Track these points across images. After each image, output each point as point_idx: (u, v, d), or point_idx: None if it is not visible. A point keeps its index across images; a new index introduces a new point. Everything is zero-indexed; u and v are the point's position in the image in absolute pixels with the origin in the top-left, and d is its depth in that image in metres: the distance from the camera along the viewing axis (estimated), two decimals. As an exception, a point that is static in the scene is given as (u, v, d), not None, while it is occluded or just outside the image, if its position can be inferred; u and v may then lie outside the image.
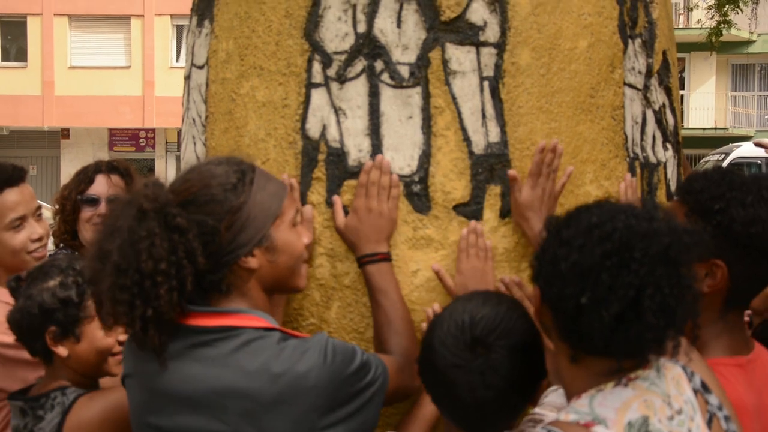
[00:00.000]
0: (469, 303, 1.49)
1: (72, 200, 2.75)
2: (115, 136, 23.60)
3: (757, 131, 22.12)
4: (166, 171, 22.57)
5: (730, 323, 1.65)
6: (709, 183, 1.63)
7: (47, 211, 2.90)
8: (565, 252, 1.29)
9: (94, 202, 2.75)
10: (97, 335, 1.84)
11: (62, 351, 1.84)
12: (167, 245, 1.41)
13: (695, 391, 1.37)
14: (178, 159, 23.46)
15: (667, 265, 1.25)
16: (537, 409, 1.59)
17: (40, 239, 2.35)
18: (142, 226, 1.42)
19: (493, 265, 1.82)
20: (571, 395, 1.36)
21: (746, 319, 2.10)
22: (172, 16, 22.40)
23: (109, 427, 1.75)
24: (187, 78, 2.24)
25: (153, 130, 23.48)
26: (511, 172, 1.82)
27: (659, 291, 1.24)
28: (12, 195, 2.29)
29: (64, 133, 23.44)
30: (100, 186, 2.78)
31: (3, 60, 23.24)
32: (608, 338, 1.26)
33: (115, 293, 1.42)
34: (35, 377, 1.99)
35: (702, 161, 15.31)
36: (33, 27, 22.72)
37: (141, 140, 23.75)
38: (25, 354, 1.94)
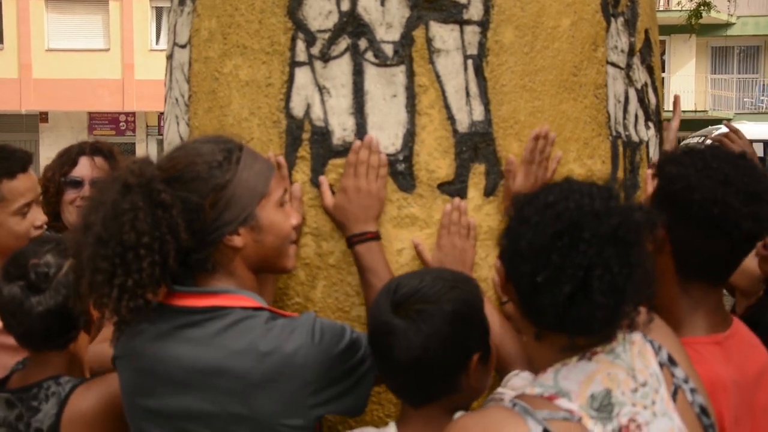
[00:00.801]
0: (408, 275, 1.54)
1: (56, 182, 2.73)
2: (94, 119, 23.38)
3: (736, 114, 22.27)
4: (147, 155, 22.39)
5: (702, 300, 1.66)
6: (673, 154, 1.67)
7: None
8: (523, 230, 1.32)
9: (77, 184, 2.73)
10: None
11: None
12: (150, 219, 1.41)
13: (661, 365, 1.39)
14: (159, 143, 23.38)
15: (616, 245, 1.27)
16: (499, 389, 1.61)
17: (41, 226, 2.34)
18: (126, 199, 1.42)
19: (474, 243, 1.83)
20: (537, 371, 1.38)
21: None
22: (151, -3, 22.17)
23: (109, 415, 1.72)
24: (170, 57, 2.23)
25: (133, 114, 23.29)
26: (510, 158, 1.83)
27: (608, 271, 1.25)
28: (23, 180, 2.28)
29: (43, 116, 23.19)
30: (84, 168, 2.76)
31: (-22, 42, 22.92)
32: (561, 316, 1.29)
33: (96, 261, 1.42)
34: (14, 363, 1.96)
35: (682, 143, 15.35)
36: (8, 8, 22.39)
37: (121, 124, 23.56)
38: (9, 339, 1.91)
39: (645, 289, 1.31)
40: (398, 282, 1.50)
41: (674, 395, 1.37)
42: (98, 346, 2.05)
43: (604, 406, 1.27)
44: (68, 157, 2.79)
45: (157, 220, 1.42)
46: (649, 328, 1.44)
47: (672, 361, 1.42)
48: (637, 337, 1.40)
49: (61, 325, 1.79)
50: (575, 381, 1.30)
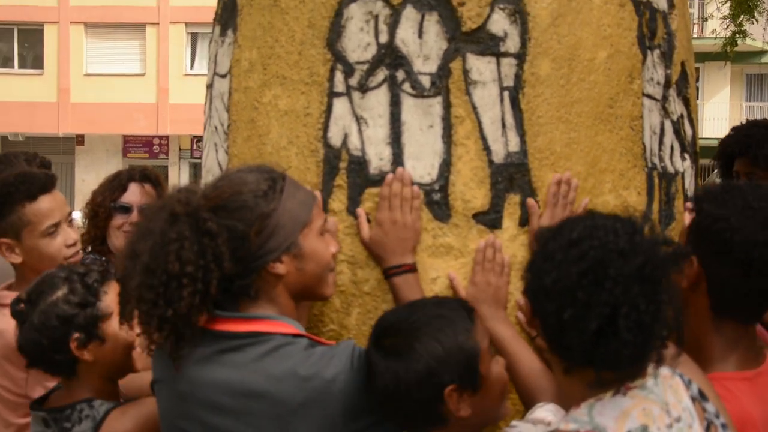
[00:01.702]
0: (399, 308, 1.61)
1: (105, 207, 2.77)
2: (129, 142, 23.72)
3: (771, 141, 21.94)
4: (179, 178, 22.65)
5: (733, 336, 1.64)
6: (708, 186, 1.67)
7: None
8: (548, 267, 1.32)
9: (126, 210, 2.77)
10: (118, 332, 1.83)
11: (89, 356, 1.82)
12: (196, 248, 1.44)
13: (693, 399, 1.38)
14: (191, 166, 23.63)
15: (642, 284, 1.26)
16: (514, 421, 1.60)
17: (74, 244, 2.36)
18: (173, 228, 1.45)
19: (508, 280, 1.82)
20: (567, 405, 1.38)
21: None
22: (186, 24, 22.53)
23: None
24: (210, 86, 2.27)
25: (167, 137, 23.58)
26: (530, 201, 1.84)
27: (635, 309, 1.25)
28: (46, 202, 2.30)
29: (79, 139, 23.58)
30: (133, 194, 2.80)
31: (20, 67, 23.45)
32: (589, 352, 1.28)
33: (142, 292, 1.45)
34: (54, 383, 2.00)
35: (715, 171, 15.22)
36: (50, 35, 22.89)
37: (155, 147, 23.86)
38: None
39: (673, 324, 1.30)
40: (383, 316, 1.55)
41: (707, 430, 1.36)
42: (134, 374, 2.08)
43: None
44: (118, 183, 2.83)
45: (203, 248, 1.45)
46: (677, 362, 1.44)
47: (703, 396, 1.41)
48: (666, 371, 1.39)
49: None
50: (611, 417, 1.29)
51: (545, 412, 1.59)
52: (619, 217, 1.36)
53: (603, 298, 1.25)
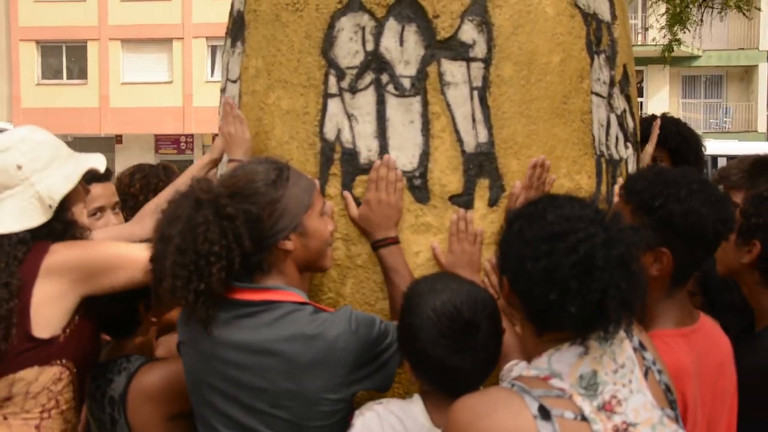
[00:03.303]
0: (442, 295, 1.45)
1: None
2: (160, 141, 23.58)
3: (703, 133, 21.97)
4: (204, 176, 22.51)
5: (677, 299, 1.64)
6: (647, 183, 1.62)
7: None
8: (530, 253, 1.27)
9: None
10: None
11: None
12: (219, 230, 1.43)
13: (634, 349, 1.38)
14: (213, 160, 23.46)
15: (623, 268, 1.25)
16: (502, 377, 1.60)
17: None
18: (199, 213, 1.44)
19: (480, 248, 1.81)
20: (530, 359, 1.36)
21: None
22: (207, 38, 22.35)
23: (166, 390, 1.74)
24: (223, 90, 2.24)
25: (192, 136, 23.45)
26: (516, 184, 1.81)
27: (619, 290, 1.24)
28: (97, 189, 2.29)
29: (118, 138, 23.43)
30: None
31: (67, 78, 23.27)
32: (574, 325, 1.27)
33: (176, 270, 1.44)
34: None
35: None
36: (92, 50, 22.73)
37: (182, 144, 23.72)
38: None
39: (643, 296, 1.30)
40: (453, 304, 1.43)
41: (645, 375, 1.36)
42: (167, 337, 2.07)
43: (591, 385, 1.26)
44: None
45: (224, 230, 1.44)
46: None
47: (642, 346, 1.41)
48: None
49: (130, 320, 1.86)
50: (566, 363, 1.28)
51: (520, 370, 1.57)
52: (582, 203, 1.32)
53: (594, 286, 1.23)
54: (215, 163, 2.10)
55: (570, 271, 1.24)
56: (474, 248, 1.79)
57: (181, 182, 1.97)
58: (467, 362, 1.42)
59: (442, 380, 1.46)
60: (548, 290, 1.25)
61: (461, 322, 1.42)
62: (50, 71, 23.22)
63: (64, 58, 23.18)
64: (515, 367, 1.60)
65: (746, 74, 23.48)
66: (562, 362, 1.29)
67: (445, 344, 1.41)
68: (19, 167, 1.68)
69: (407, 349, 1.49)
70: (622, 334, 1.35)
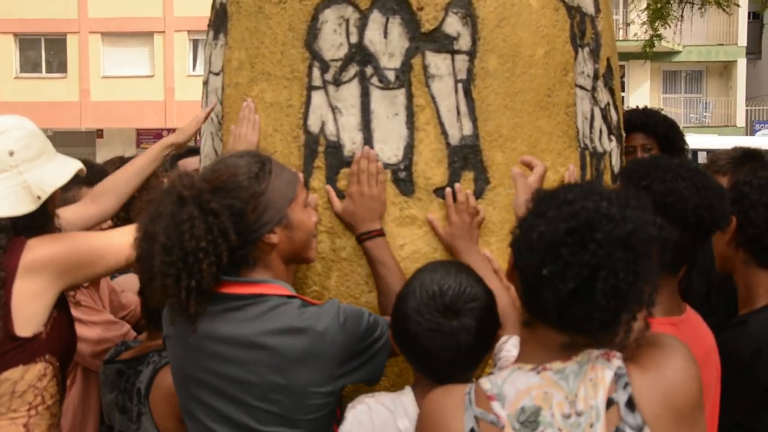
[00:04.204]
0: (435, 274, 1.44)
1: None
2: (141, 135, 23.34)
3: (683, 127, 22.14)
4: (184, 170, 22.37)
5: (666, 288, 1.64)
6: (639, 165, 1.65)
7: None
8: (537, 222, 1.18)
9: None
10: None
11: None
12: (204, 226, 1.41)
13: (611, 402, 1.15)
14: (196, 154, 23.33)
15: (625, 251, 1.12)
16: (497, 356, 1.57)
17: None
18: (183, 210, 1.42)
19: (480, 221, 1.78)
20: (519, 355, 1.28)
21: None
22: (189, 32, 22.14)
23: None
24: (206, 83, 2.22)
25: (174, 130, 23.12)
26: (514, 170, 1.74)
27: (613, 274, 1.11)
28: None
29: (99, 133, 23.17)
30: None
31: (47, 72, 22.95)
32: (561, 312, 1.16)
33: (165, 269, 1.41)
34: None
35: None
36: (72, 43, 22.41)
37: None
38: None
39: (649, 300, 1.17)
40: (438, 285, 1.40)
41: None
42: None
43: (529, 422, 1.13)
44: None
45: (210, 226, 1.42)
46: (643, 337, 1.25)
47: (631, 406, 1.15)
48: (603, 364, 1.18)
49: None
50: (515, 389, 1.17)
51: (510, 346, 1.53)
52: (616, 189, 1.21)
53: (585, 259, 1.11)
54: (178, 146, 2.19)
55: (564, 238, 1.13)
56: (473, 221, 1.77)
57: (141, 161, 2.06)
58: (436, 344, 1.38)
59: (423, 363, 1.45)
60: (542, 260, 1.15)
61: (439, 302, 1.39)
62: (29, 64, 22.88)
63: (43, 51, 22.84)
64: (505, 345, 1.54)
65: (725, 69, 23.73)
66: (513, 385, 1.17)
67: (419, 320, 1.39)
68: (11, 153, 1.66)
69: (394, 321, 1.48)
70: (604, 376, 1.16)
